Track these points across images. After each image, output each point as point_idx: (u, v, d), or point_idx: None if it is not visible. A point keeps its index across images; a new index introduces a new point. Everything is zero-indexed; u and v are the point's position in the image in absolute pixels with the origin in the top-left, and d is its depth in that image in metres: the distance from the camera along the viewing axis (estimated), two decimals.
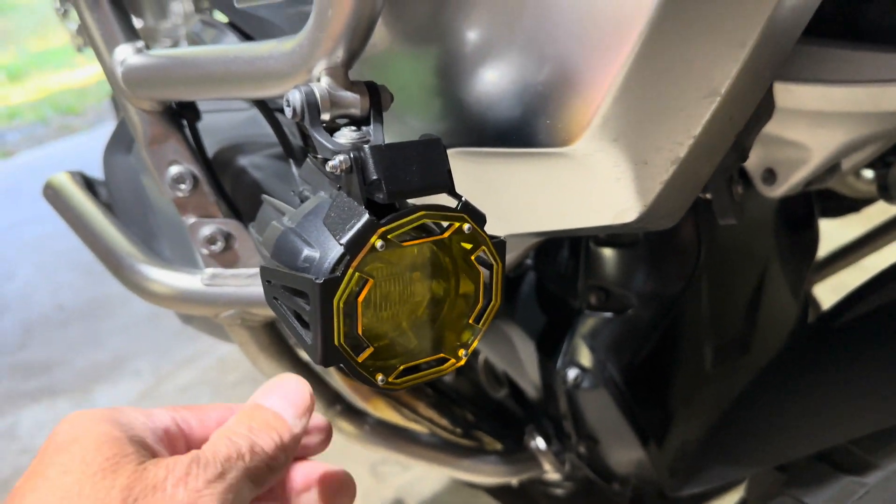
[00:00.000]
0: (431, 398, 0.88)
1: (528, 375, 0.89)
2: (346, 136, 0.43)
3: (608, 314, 0.79)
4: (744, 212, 0.58)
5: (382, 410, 0.84)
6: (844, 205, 1.07)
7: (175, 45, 1.41)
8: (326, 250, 0.40)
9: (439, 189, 0.40)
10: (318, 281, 0.37)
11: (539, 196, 0.48)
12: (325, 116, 0.44)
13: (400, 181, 0.39)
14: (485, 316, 0.44)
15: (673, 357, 0.83)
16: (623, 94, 0.38)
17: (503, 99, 0.44)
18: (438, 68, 0.47)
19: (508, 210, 0.51)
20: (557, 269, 0.84)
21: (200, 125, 0.65)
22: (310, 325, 0.39)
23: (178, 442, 0.43)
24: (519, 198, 0.49)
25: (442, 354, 0.44)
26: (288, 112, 0.44)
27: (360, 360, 0.40)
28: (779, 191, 0.72)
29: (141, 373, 2.27)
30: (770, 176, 0.72)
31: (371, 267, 0.40)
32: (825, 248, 1.16)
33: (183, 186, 0.61)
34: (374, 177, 0.39)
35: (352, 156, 0.39)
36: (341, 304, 0.38)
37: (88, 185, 0.84)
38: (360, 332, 0.39)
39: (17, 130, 5.21)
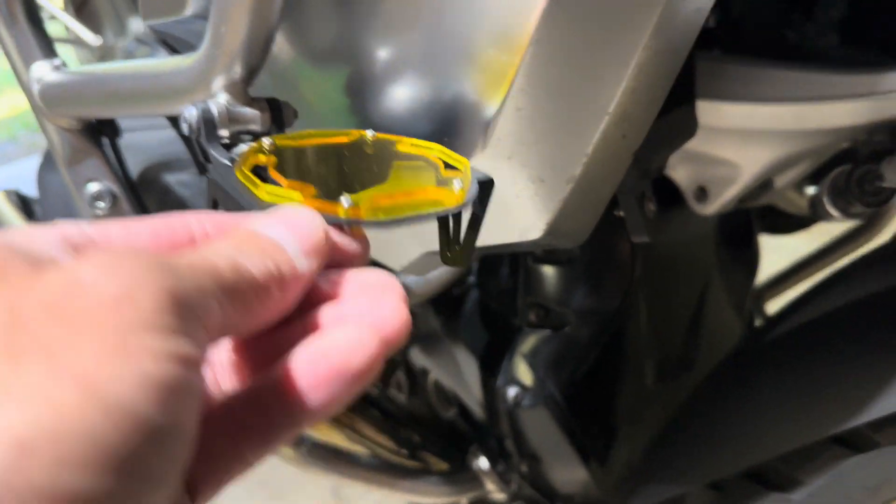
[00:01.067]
0: (375, 419, 0.87)
1: (473, 394, 0.89)
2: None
3: (547, 331, 0.79)
4: (660, 231, 0.58)
5: (323, 432, 0.84)
6: (793, 221, 1.08)
7: None
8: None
9: None
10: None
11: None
12: (224, 133, 0.43)
13: None
14: None
15: (614, 373, 0.83)
16: (513, 113, 0.38)
17: (405, 117, 0.44)
18: (342, 85, 0.47)
19: (425, 228, 0.50)
20: (498, 286, 0.84)
21: (126, 143, 0.65)
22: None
23: None
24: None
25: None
26: (184, 128, 0.43)
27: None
28: (711, 208, 0.73)
29: None
30: (702, 193, 0.73)
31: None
32: (783, 262, 1.16)
33: (101, 204, 0.60)
34: None
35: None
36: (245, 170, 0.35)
37: (24, 203, 0.83)
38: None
39: None
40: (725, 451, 0.66)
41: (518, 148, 0.40)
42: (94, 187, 0.60)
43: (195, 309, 0.24)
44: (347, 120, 0.48)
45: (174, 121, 0.57)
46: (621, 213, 0.53)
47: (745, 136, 0.67)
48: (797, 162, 0.70)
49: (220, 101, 0.43)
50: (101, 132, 0.61)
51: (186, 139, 0.56)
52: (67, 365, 0.20)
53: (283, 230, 0.30)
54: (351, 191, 0.33)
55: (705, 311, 0.87)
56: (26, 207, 0.83)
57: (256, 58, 0.43)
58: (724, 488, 0.66)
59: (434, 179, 0.36)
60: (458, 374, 0.90)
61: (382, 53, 0.44)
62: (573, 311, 0.78)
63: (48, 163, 0.80)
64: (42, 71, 0.57)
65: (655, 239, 0.52)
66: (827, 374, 0.59)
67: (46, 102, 0.57)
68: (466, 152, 0.42)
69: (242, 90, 0.44)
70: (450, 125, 0.42)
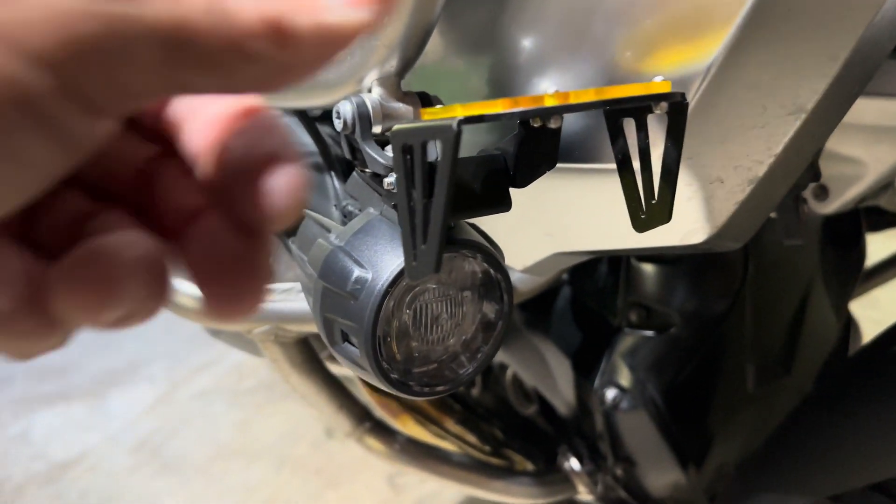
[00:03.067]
0: (459, 414, 0.85)
1: (562, 393, 0.86)
2: None
3: (649, 333, 0.76)
4: (810, 232, 0.55)
5: (410, 427, 0.82)
6: (886, 219, 1.04)
7: None
8: (379, 271, 0.38)
9: (501, 208, 0.38)
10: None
11: (599, 214, 0.45)
12: (377, 129, 0.41)
13: (459, 200, 0.37)
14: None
15: (714, 377, 0.80)
16: (701, 110, 0.36)
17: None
18: (494, 79, 0.44)
19: (566, 227, 0.48)
20: (596, 285, 0.81)
21: None
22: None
23: None
24: (578, 215, 0.47)
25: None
26: (338, 124, 0.41)
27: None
28: (830, 207, 0.70)
29: (155, 378, 2.25)
30: (822, 192, 0.70)
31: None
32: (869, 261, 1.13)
33: None
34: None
35: (388, 165, 0.37)
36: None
37: None
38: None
39: None
40: (849, 463, 0.63)
41: (702, 147, 0.37)
42: None
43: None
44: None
45: (301, 114, 0.56)
46: (772, 215, 0.50)
47: (876, 133, 0.64)
48: None
49: (374, 95, 0.41)
50: None
51: (315, 133, 0.54)
52: None
53: None
54: None
55: (807, 313, 0.84)
56: None
57: (414, 51, 0.41)
58: (846, 500, 0.64)
59: None
60: (544, 371, 0.88)
61: (541, 43, 0.42)
62: (677, 313, 0.75)
63: None
64: None
65: (807, 241, 0.50)
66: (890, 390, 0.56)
67: None
68: None
69: (396, 84, 0.42)
70: None
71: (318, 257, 0.42)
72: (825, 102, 0.36)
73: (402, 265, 0.37)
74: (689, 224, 0.41)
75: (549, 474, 0.85)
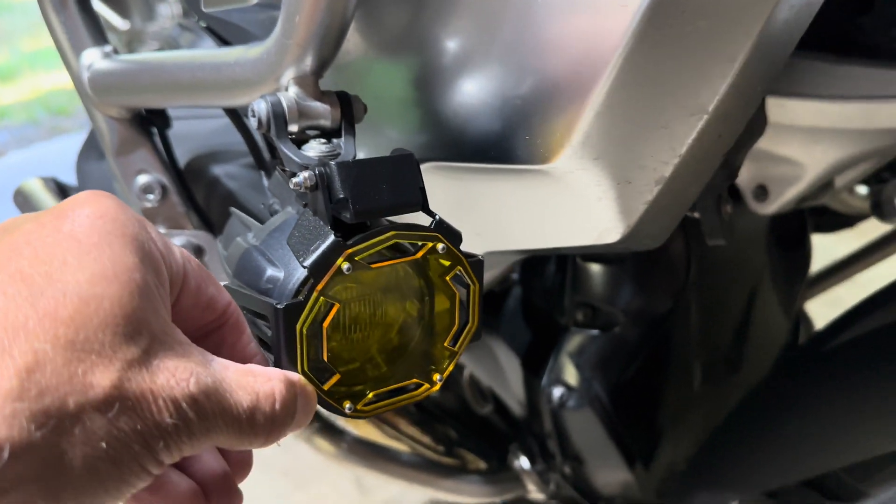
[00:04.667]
0: (414, 415, 0.86)
1: (513, 392, 0.87)
2: (314, 148, 0.41)
3: (595, 332, 0.77)
4: (733, 231, 0.56)
5: (362, 428, 0.82)
6: (838, 220, 1.05)
7: (162, 48, 1.38)
8: (291, 271, 0.38)
9: (411, 207, 0.38)
10: (279, 306, 0.35)
11: (518, 213, 0.46)
12: (293, 128, 0.41)
13: (368, 199, 0.37)
14: (461, 338, 0.42)
15: (661, 375, 0.81)
16: (605, 111, 0.36)
17: (482, 112, 0.42)
18: (415, 79, 0.45)
19: (487, 227, 0.49)
20: (544, 285, 0.82)
21: (174, 131, 0.63)
22: (272, 350, 0.37)
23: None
24: (498, 215, 0.47)
25: (415, 379, 0.42)
26: (253, 122, 0.41)
27: (325, 388, 0.37)
28: (770, 208, 0.70)
29: None
30: (762, 192, 0.70)
31: (338, 289, 0.38)
32: (821, 262, 1.14)
33: (151, 196, 0.58)
34: (341, 195, 0.36)
35: (317, 172, 0.37)
36: (304, 330, 0.36)
37: (61, 191, 0.82)
38: (325, 358, 0.37)
39: (7, 131, 5.17)
40: (784, 459, 0.64)
41: (606, 148, 0.38)
42: (143, 179, 0.58)
43: None
44: (415, 114, 0.46)
45: (231, 112, 0.56)
46: (695, 215, 0.51)
47: (812, 134, 0.64)
48: (861, 162, 0.68)
49: (290, 94, 0.41)
50: (150, 122, 0.59)
51: (246, 134, 0.54)
52: None
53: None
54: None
55: (754, 313, 0.85)
56: (63, 194, 0.82)
57: (330, 49, 0.41)
58: (781, 497, 0.65)
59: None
60: (497, 371, 0.89)
61: (458, 44, 0.42)
62: (622, 312, 0.76)
63: (88, 151, 0.79)
64: (92, 58, 0.55)
65: (730, 241, 0.50)
66: (834, 386, 0.57)
67: (96, 91, 0.55)
68: (546, 152, 0.40)
69: (313, 83, 0.42)
70: (527, 121, 0.40)
71: (234, 256, 0.42)
72: (726, 103, 0.36)
73: (299, 272, 0.37)
74: (602, 224, 0.42)
75: (500, 473, 0.86)
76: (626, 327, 0.76)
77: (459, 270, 0.40)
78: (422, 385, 0.41)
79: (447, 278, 0.40)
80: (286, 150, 0.40)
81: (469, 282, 0.40)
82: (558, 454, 0.83)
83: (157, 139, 0.60)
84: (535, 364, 0.81)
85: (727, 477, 0.69)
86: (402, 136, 0.47)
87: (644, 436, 0.81)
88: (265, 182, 0.52)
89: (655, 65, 0.35)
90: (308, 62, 0.41)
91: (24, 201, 0.76)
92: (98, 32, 0.56)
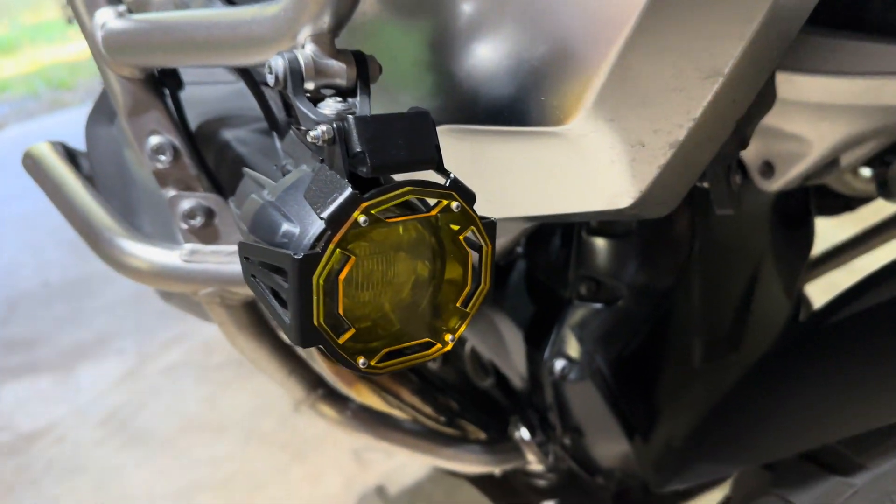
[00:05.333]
0: (416, 385, 0.86)
1: (515, 365, 0.88)
2: (330, 106, 0.41)
3: (598, 305, 0.78)
4: (741, 203, 0.56)
5: (365, 396, 0.83)
6: (840, 203, 1.06)
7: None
8: (307, 225, 0.38)
9: (426, 164, 0.39)
10: (296, 256, 0.35)
11: (531, 178, 0.46)
12: (310, 85, 0.42)
13: (385, 154, 0.37)
14: (473, 300, 0.42)
15: (662, 351, 0.82)
16: (620, 72, 0.37)
17: (496, 75, 0.42)
18: (430, 41, 0.45)
19: (499, 192, 0.49)
20: (548, 259, 0.82)
21: (185, 97, 0.63)
22: (287, 303, 0.37)
23: None
24: (510, 179, 0.47)
25: (427, 339, 0.42)
26: (270, 79, 0.42)
27: (340, 341, 0.38)
28: (776, 184, 0.71)
29: (125, 352, 2.24)
30: (768, 169, 0.71)
31: (354, 244, 0.38)
32: (817, 247, 1.14)
33: (163, 157, 0.58)
34: (358, 149, 0.37)
35: (335, 126, 0.37)
36: (321, 282, 0.36)
37: (70, 156, 0.82)
38: (340, 311, 0.38)
39: (7, 104, 5.15)
40: (783, 432, 0.64)
41: (621, 110, 0.38)
42: (155, 140, 0.58)
43: None
44: (429, 76, 0.46)
45: (244, 73, 0.56)
46: (705, 184, 0.51)
47: (820, 111, 0.65)
48: (868, 139, 0.68)
49: (307, 51, 0.42)
50: (163, 84, 0.59)
51: (259, 95, 0.54)
52: None
53: None
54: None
55: (756, 292, 0.85)
56: (73, 160, 0.82)
57: (346, 8, 0.41)
58: (780, 470, 0.65)
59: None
60: (499, 344, 0.89)
61: (474, 5, 0.42)
62: (626, 286, 0.77)
63: (97, 115, 0.79)
64: (106, 17, 0.56)
65: (738, 211, 0.51)
66: (893, 363, 0.58)
67: (109, 50, 0.56)
68: (560, 114, 0.40)
69: (329, 41, 0.42)
70: (542, 83, 0.41)
71: (249, 212, 0.42)
72: (741, 67, 0.37)
73: (318, 225, 0.37)
74: (614, 188, 0.42)
75: (500, 443, 0.87)
76: (629, 302, 0.77)
77: (472, 231, 0.40)
78: (434, 344, 0.42)
79: (460, 238, 0.40)
80: (303, 106, 0.40)
81: (482, 243, 0.41)
82: (558, 426, 0.84)
83: (170, 101, 0.60)
84: (538, 337, 0.82)
85: (725, 450, 0.70)
86: (417, 98, 0.47)
87: (644, 409, 0.82)
88: (278, 143, 0.52)
89: (672, 27, 0.35)
90: (325, 20, 0.41)
91: (33, 164, 0.76)
92: None
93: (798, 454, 0.64)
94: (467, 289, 0.42)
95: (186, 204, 0.59)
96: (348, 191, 0.36)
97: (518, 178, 0.47)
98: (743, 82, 0.38)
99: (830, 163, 0.71)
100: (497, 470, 0.88)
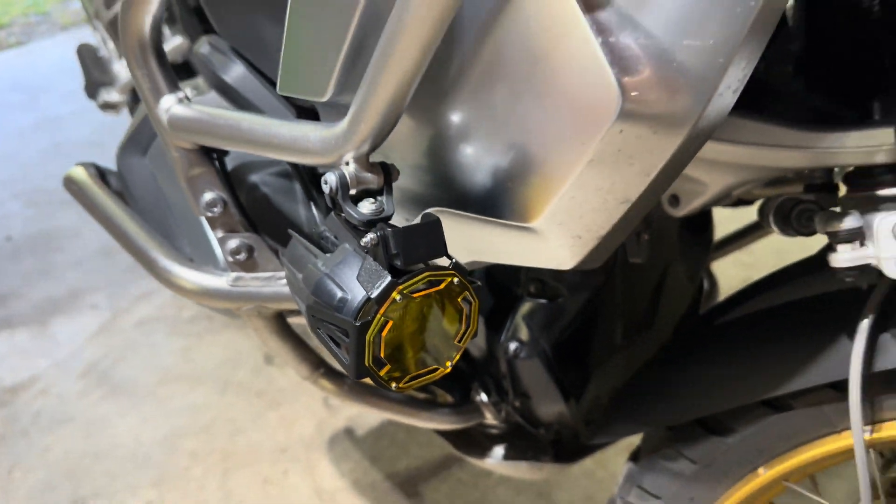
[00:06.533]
0: None
1: (477, 344, 1.08)
2: (366, 206, 0.59)
3: (543, 301, 0.99)
4: (649, 250, 0.77)
5: None
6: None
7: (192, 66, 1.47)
8: (355, 296, 0.57)
9: (439, 256, 0.57)
10: (357, 324, 0.54)
11: (501, 245, 0.65)
12: (352, 192, 0.59)
13: (412, 253, 0.56)
14: (465, 338, 0.62)
15: (591, 333, 1.04)
16: (567, 197, 0.56)
17: (486, 184, 0.61)
18: (433, 150, 0.63)
19: (476, 248, 0.68)
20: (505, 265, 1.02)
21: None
22: (349, 350, 0.56)
23: None
24: (488, 244, 0.66)
25: (434, 365, 0.62)
26: (326, 188, 0.59)
27: (381, 374, 0.57)
28: (681, 212, 0.92)
29: (98, 307, 2.37)
30: (675, 200, 0.91)
31: (391, 312, 0.57)
32: (731, 227, 1.37)
33: (215, 209, 0.75)
34: (395, 251, 0.55)
35: (379, 234, 0.56)
36: (370, 338, 0.55)
37: (101, 175, 0.97)
38: (382, 355, 0.57)
39: None
40: (682, 403, 0.87)
41: (566, 218, 0.57)
42: (208, 196, 0.75)
43: None
44: (433, 176, 0.64)
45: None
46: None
47: (713, 165, 0.85)
48: (750, 184, 0.89)
49: (350, 169, 0.59)
50: (213, 150, 0.75)
51: (302, 178, 0.71)
52: None
53: None
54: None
55: (666, 282, 1.08)
56: (104, 178, 0.97)
57: (382, 138, 0.59)
58: (677, 430, 0.89)
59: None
60: None
61: (470, 138, 0.60)
62: (565, 286, 0.98)
63: (130, 147, 0.93)
64: (170, 103, 0.71)
65: (645, 259, 0.71)
66: (764, 355, 0.80)
67: (173, 129, 0.71)
68: (525, 215, 0.59)
69: (366, 159, 0.60)
70: (517, 196, 0.59)
71: (311, 279, 0.61)
72: (646, 195, 0.56)
73: (363, 295, 0.56)
74: (560, 258, 0.62)
75: (464, 405, 1.08)
76: (567, 297, 0.98)
77: (467, 294, 0.59)
78: (438, 369, 0.62)
79: (458, 299, 0.60)
80: (350, 210, 0.58)
81: (472, 301, 0.60)
82: (510, 391, 1.06)
83: (217, 163, 0.76)
84: (496, 324, 1.02)
85: (639, 412, 0.93)
86: (425, 189, 0.65)
87: (576, 378, 1.04)
88: (316, 216, 0.70)
89: (600, 172, 0.54)
90: (365, 147, 0.59)
91: (77, 189, 0.91)
92: (172, 81, 0.72)
93: (691, 420, 0.87)
94: (461, 331, 0.61)
95: (233, 243, 0.77)
96: (388, 279, 0.55)
97: (494, 245, 0.66)
98: (647, 202, 0.57)
99: (723, 196, 0.92)
100: (462, 426, 1.10)
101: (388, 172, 0.61)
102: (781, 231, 0.83)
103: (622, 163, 0.54)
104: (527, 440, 1.15)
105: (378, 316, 0.55)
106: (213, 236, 0.82)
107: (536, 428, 1.10)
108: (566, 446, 1.12)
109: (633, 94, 0.49)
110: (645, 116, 0.51)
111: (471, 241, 0.67)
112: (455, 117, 0.59)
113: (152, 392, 2.03)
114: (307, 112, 0.81)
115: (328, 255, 0.62)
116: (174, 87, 0.72)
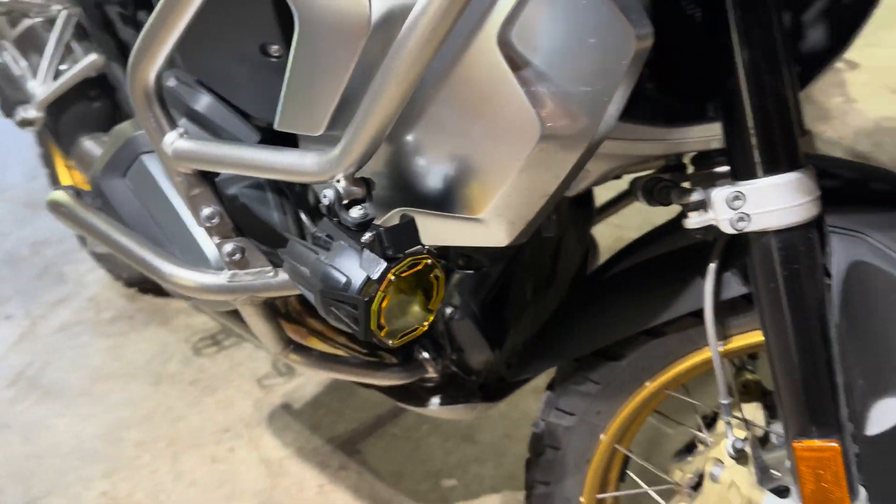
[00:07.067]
0: (346, 333, 1.26)
1: None
2: (357, 212, 0.79)
3: (470, 271, 1.21)
4: (556, 225, 1.01)
5: (316, 344, 1.22)
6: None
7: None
8: (358, 279, 0.77)
9: (416, 245, 0.78)
10: (365, 299, 0.75)
11: (455, 232, 0.87)
12: (345, 202, 0.79)
13: (400, 245, 0.76)
14: (435, 302, 0.83)
15: (508, 293, 1.28)
16: (503, 196, 0.78)
17: (441, 188, 0.82)
18: (405, 166, 0.83)
19: (436, 236, 0.90)
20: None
21: None
22: (358, 320, 0.77)
23: None
24: (444, 232, 0.88)
25: (416, 326, 0.82)
26: (324, 201, 0.79)
27: (382, 334, 0.78)
28: (572, 193, 1.16)
29: (13, 316, 2.39)
30: None
31: (386, 288, 0.77)
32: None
33: (213, 220, 0.92)
34: (387, 245, 0.76)
35: (374, 233, 0.76)
36: (375, 308, 0.76)
37: (78, 195, 1.11)
38: (382, 320, 0.77)
39: None
40: (583, 339, 1.13)
41: (504, 210, 0.80)
42: (206, 210, 0.91)
43: None
44: (401, 181, 0.85)
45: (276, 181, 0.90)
46: None
47: (596, 156, 1.09)
48: (622, 168, 1.14)
49: (342, 185, 0.79)
50: (209, 172, 0.92)
51: (279, 190, 0.90)
52: None
53: None
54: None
55: (563, 246, 1.33)
56: (80, 198, 1.11)
57: (367, 160, 0.79)
58: (582, 361, 1.14)
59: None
60: None
61: (428, 150, 0.81)
62: (487, 258, 1.21)
63: (109, 171, 1.07)
64: (173, 138, 0.87)
65: (554, 233, 0.95)
66: (640, 296, 1.07)
67: (177, 159, 0.88)
68: (474, 208, 0.81)
69: (353, 176, 0.79)
70: (467, 195, 0.81)
71: (318, 270, 0.80)
72: (557, 189, 0.79)
73: (364, 277, 0.76)
74: (498, 238, 0.84)
75: (408, 363, 1.30)
76: (488, 267, 1.22)
77: (436, 271, 0.81)
78: (419, 327, 0.83)
79: (430, 276, 0.81)
80: (346, 216, 0.78)
81: (440, 275, 0.82)
82: (447, 347, 1.28)
83: (212, 182, 0.93)
84: None
85: (551, 351, 1.18)
86: (394, 194, 0.86)
87: (499, 331, 1.28)
88: (304, 219, 0.89)
89: (528, 181, 0.77)
90: (353, 167, 0.78)
91: (67, 211, 1.05)
92: (171, 120, 0.88)
93: (592, 351, 1.12)
94: (434, 297, 0.83)
95: (228, 247, 0.94)
96: (385, 264, 0.75)
97: (448, 231, 0.88)
98: (558, 193, 0.81)
99: (603, 178, 1.17)
100: (408, 381, 1.32)
101: (369, 185, 0.81)
102: (647, 203, 1.09)
103: (542, 170, 0.77)
104: (458, 387, 1.38)
105: (379, 292, 0.76)
106: (203, 242, 0.99)
107: (469, 375, 1.34)
108: (492, 387, 1.37)
109: (548, 124, 0.72)
110: (557, 138, 0.74)
111: (430, 231, 0.89)
112: (420, 141, 0.80)
113: (86, 391, 2.11)
114: (269, 133, 0.99)
115: (327, 251, 0.82)
116: (174, 124, 0.88)
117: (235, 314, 1.10)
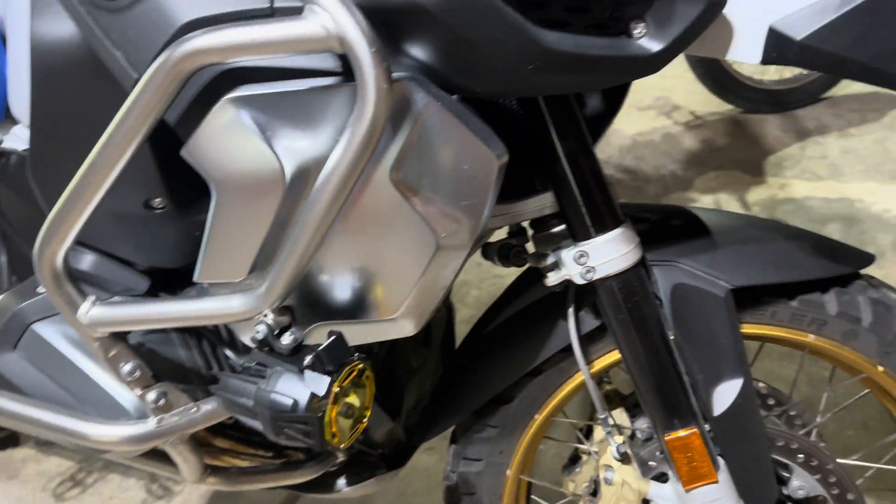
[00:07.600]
0: (257, 443, 1.32)
1: None
2: (288, 339, 0.89)
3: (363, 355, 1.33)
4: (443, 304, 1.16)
5: (229, 462, 1.27)
6: None
7: None
8: (301, 397, 0.87)
9: (349, 356, 0.90)
10: (319, 415, 0.85)
11: (369, 331, 0.99)
12: (276, 333, 0.89)
13: (337, 359, 0.88)
14: (370, 398, 0.95)
15: (396, 364, 1.41)
16: (410, 298, 0.92)
17: (356, 298, 0.95)
18: (324, 287, 0.94)
19: (356, 337, 1.01)
20: None
21: None
22: (310, 435, 0.86)
23: None
24: (363, 333, 0.99)
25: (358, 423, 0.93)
26: (258, 336, 0.88)
27: (335, 441, 0.88)
28: None
29: None
30: None
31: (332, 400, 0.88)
32: None
33: (134, 375, 0.97)
34: (328, 365, 0.86)
35: (314, 357, 0.86)
36: (326, 421, 0.86)
37: None
38: (334, 429, 0.87)
39: None
40: (475, 393, 1.28)
41: (413, 310, 0.94)
42: (126, 367, 0.95)
43: None
44: (319, 300, 0.96)
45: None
46: None
47: None
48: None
49: (269, 318, 0.89)
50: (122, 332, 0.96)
51: (217, 337, 0.97)
52: None
53: None
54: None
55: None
56: None
57: (291, 292, 0.89)
58: (478, 411, 1.30)
59: None
60: None
61: (340, 271, 0.93)
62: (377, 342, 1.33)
63: (2, 347, 1.06)
64: (87, 308, 0.92)
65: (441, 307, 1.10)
66: (515, 346, 1.25)
67: (92, 326, 0.92)
68: (386, 312, 0.94)
69: (279, 309, 0.89)
70: (378, 302, 0.94)
71: (263, 399, 0.89)
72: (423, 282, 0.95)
73: (309, 395, 0.86)
74: (404, 331, 0.98)
75: (317, 455, 1.38)
76: (377, 347, 1.34)
77: (367, 371, 0.93)
78: (362, 423, 0.93)
79: (363, 377, 0.93)
80: (279, 345, 0.88)
81: (370, 374, 0.93)
82: None
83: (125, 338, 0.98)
84: None
85: (450, 409, 1.33)
86: (314, 310, 0.96)
87: (394, 400, 1.41)
88: (225, 352, 0.97)
89: (429, 280, 0.91)
90: (278, 301, 0.88)
91: None
92: (82, 292, 0.93)
93: (485, 401, 1.28)
94: (368, 395, 0.94)
95: (152, 395, 0.99)
96: (328, 379, 0.86)
97: (362, 332, 1.00)
98: (452, 283, 0.96)
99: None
100: (323, 471, 1.39)
101: (293, 312, 0.92)
102: (503, 265, 1.28)
103: (441, 270, 0.92)
104: (363, 463, 1.49)
105: (328, 408, 0.86)
106: (118, 395, 1.03)
107: (374, 449, 1.45)
108: (393, 455, 1.48)
109: (442, 235, 0.88)
110: (449, 246, 0.90)
111: (350, 336, 1.00)
112: (337, 266, 0.92)
113: None
114: (153, 274, 1.05)
115: (262, 378, 0.91)
116: (84, 295, 0.93)
117: (145, 455, 1.13)
